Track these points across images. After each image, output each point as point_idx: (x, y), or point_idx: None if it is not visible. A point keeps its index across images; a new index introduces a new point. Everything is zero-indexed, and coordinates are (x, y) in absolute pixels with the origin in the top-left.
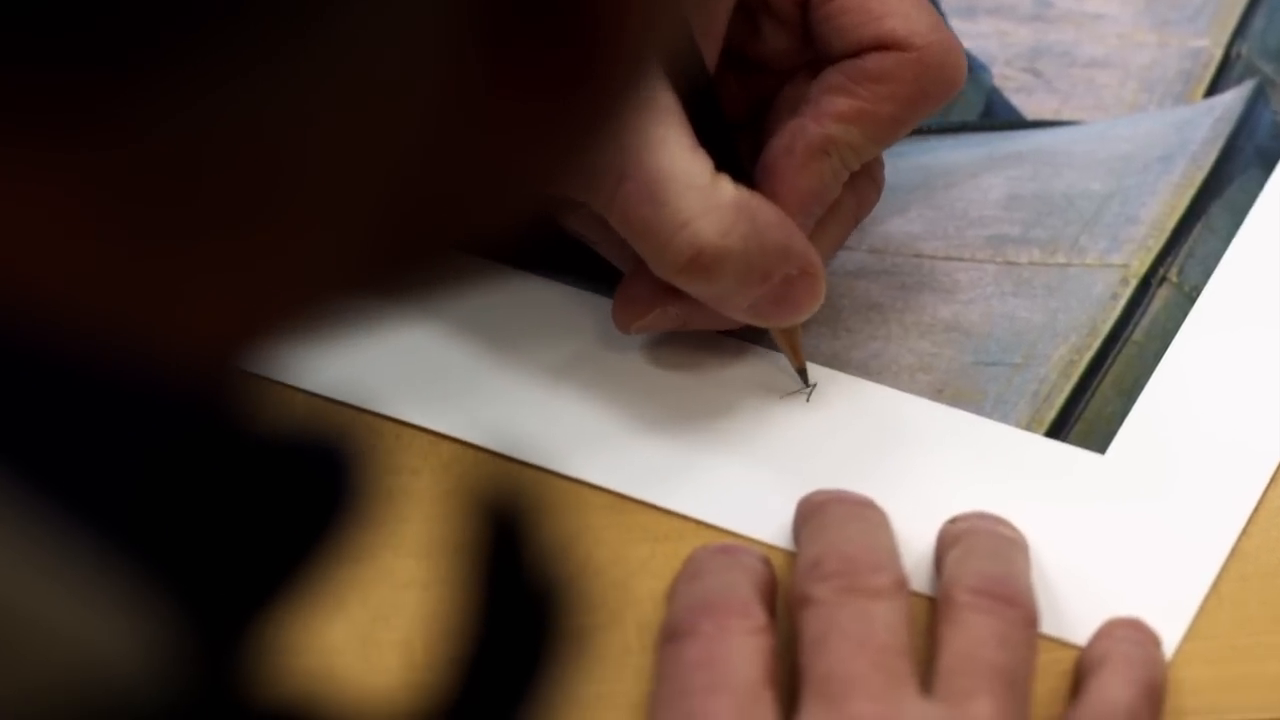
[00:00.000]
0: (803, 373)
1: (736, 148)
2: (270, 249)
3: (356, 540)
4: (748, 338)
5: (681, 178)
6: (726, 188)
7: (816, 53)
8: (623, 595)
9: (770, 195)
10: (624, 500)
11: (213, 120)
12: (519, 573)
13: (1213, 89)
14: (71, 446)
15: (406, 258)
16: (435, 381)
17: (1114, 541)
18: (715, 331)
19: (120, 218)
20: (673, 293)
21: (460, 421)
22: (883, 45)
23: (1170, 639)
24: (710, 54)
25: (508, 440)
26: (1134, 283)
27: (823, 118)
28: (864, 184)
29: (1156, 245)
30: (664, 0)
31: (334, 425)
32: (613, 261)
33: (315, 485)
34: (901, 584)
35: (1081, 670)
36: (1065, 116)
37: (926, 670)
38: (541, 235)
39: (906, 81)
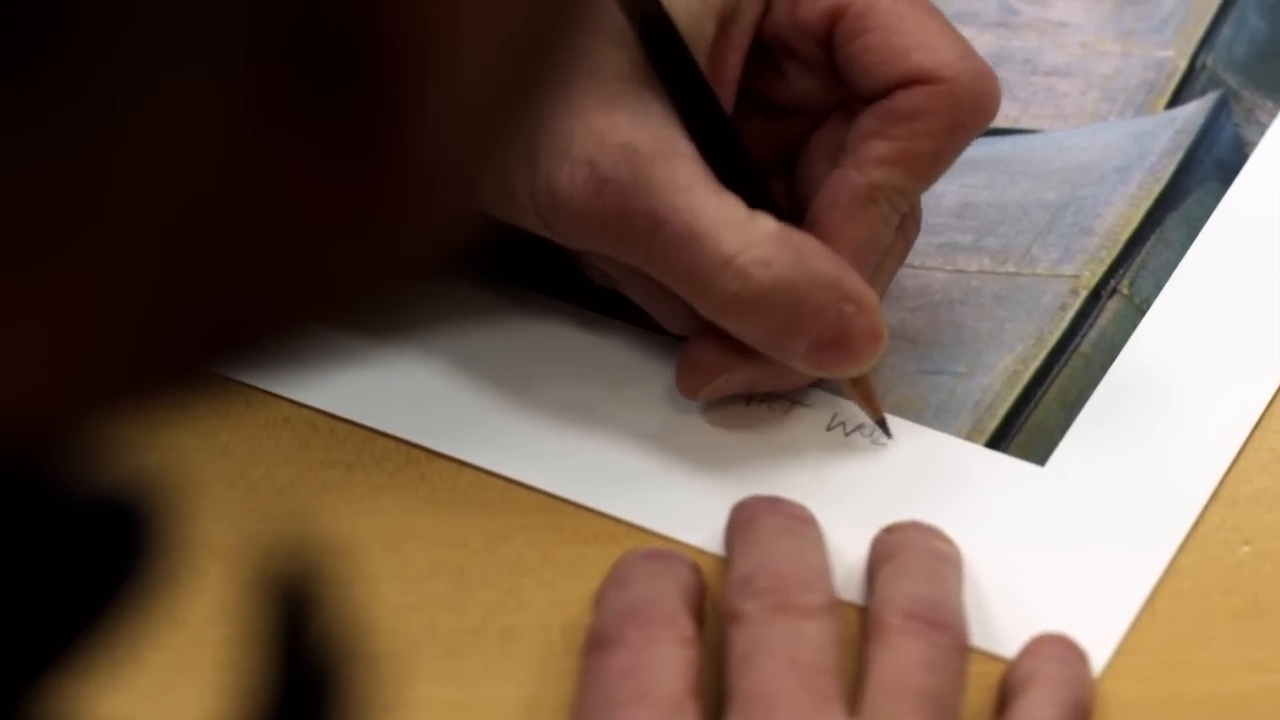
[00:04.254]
0: (882, 424)
1: (768, 188)
2: (47, 317)
3: (150, 600)
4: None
5: (715, 215)
6: (766, 222)
7: (846, 92)
8: (550, 596)
9: None
10: (555, 501)
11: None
12: (303, 649)
13: (1175, 100)
14: None
15: (213, 346)
16: (377, 379)
17: (1049, 554)
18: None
19: None
20: (738, 356)
21: (401, 420)
22: (912, 81)
23: (1101, 654)
24: (725, 98)
25: (441, 438)
26: (1084, 294)
27: (864, 165)
28: (907, 221)
29: (1109, 257)
30: (486, 67)
31: (141, 485)
32: (632, 298)
33: (107, 546)
34: (832, 604)
35: (1008, 688)
36: (1024, 124)
37: (854, 690)
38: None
39: (941, 115)
